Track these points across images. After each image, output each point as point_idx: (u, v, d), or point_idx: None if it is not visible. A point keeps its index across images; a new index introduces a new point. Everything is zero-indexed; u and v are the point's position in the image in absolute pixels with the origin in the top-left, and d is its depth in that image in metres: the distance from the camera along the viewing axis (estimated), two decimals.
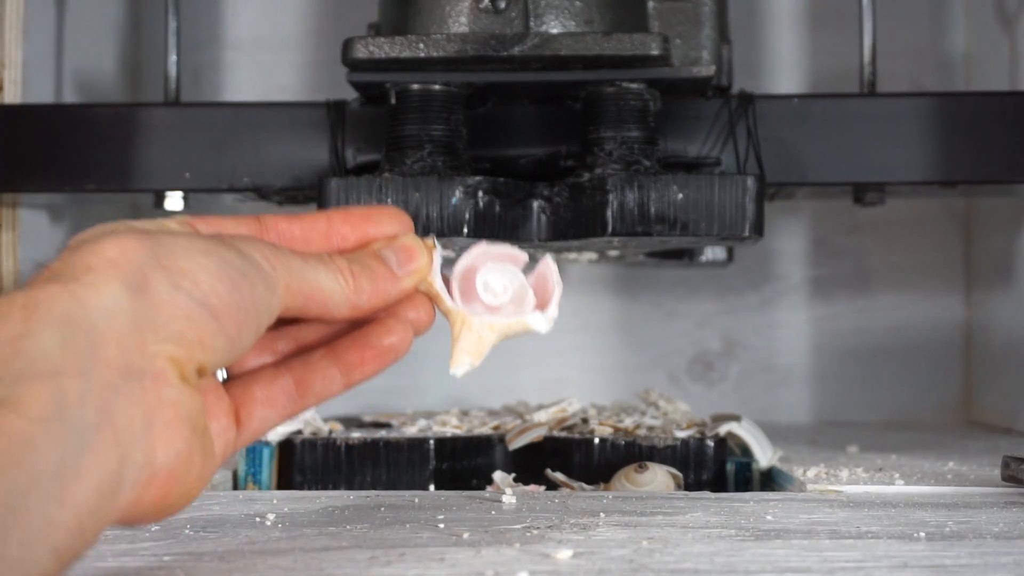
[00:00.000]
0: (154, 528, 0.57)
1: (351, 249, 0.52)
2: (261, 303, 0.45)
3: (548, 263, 0.57)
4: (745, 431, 0.88)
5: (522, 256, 0.56)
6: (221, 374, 0.50)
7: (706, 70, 0.93)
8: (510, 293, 0.55)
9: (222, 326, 0.43)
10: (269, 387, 0.51)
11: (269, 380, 0.51)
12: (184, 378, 0.42)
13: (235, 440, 0.49)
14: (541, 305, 0.55)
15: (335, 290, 0.49)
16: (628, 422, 0.91)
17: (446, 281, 0.54)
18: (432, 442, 0.85)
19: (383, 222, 0.53)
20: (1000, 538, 0.55)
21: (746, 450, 0.88)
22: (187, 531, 0.56)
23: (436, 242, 0.54)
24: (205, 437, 0.44)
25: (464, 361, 0.53)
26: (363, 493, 0.74)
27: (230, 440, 0.49)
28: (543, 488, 0.80)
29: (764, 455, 0.87)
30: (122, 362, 0.40)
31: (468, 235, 0.87)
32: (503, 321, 0.54)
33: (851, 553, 0.51)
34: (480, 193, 0.87)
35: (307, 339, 0.53)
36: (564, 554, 0.49)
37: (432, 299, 0.54)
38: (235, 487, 0.84)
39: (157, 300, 0.42)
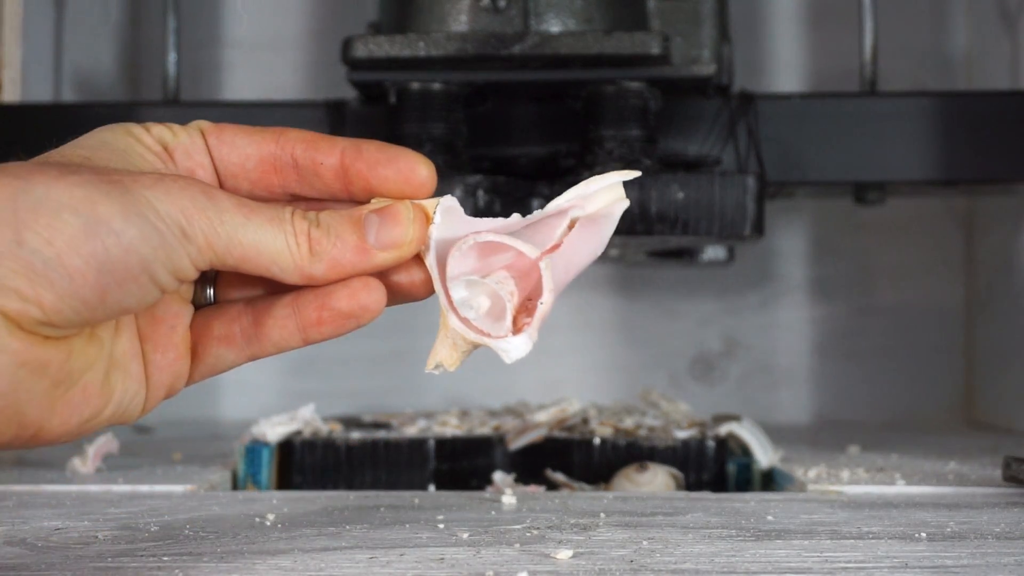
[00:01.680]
0: (154, 528, 0.57)
1: (360, 195, 0.48)
2: (150, 264, 0.42)
3: (544, 272, 0.48)
4: (746, 431, 0.88)
5: (528, 253, 0.48)
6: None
7: (706, 69, 0.92)
8: (484, 309, 0.48)
9: (75, 288, 0.41)
10: (229, 325, 0.48)
11: (231, 318, 0.48)
12: (21, 328, 0.41)
13: (189, 373, 0.48)
14: (527, 312, 0.48)
15: (280, 254, 0.45)
16: (628, 422, 0.90)
17: (443, 259, 0.48)
18: (432, 442, 0.85)
19: (390, 175, 0.48)
20: (1001, 538, 0.55)
21: (747, 450, 0.88)
22: (187, 531, 0.56)
23: (439, 210, 0.48)
24: (69, 384, 0.43)
25: (437, 362, 0.48)
26: (363, 493, 0.73)
27: (180, 374, 0.47)
28: (543, 488, 0.80)
29: (765, 455, 0.87)
30: None
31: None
32: (474, 339, 0.48)
33: (852, 553, 0.51)
34: (480, 192, 0.87)
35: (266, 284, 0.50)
36: (564, 554, 0.49)
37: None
38: (235, 487, 0.84)
39: None
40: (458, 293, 0.48)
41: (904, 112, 0.98)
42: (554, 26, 0.90)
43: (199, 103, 1.17)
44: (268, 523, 0.59)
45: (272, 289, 0.49)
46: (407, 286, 0.48)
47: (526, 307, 0.49)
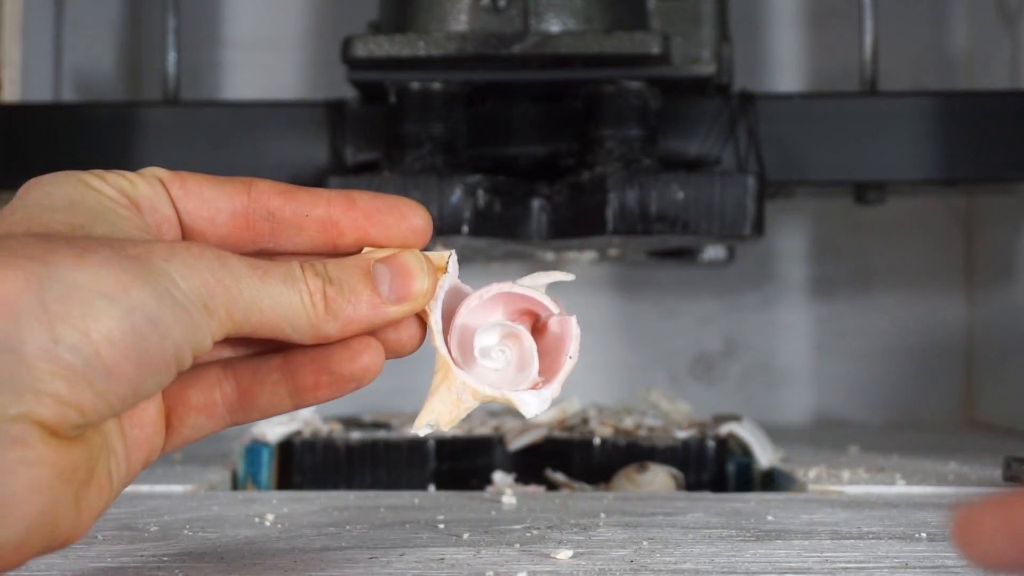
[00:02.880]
0: (153, 528, 0.57)
1: (347, 247, 0.45)
2: (180, 346, 0.38)
3: (571, 326, 0.46)
4: (746, 431, 0.88)
5: (550, 307, 0.47)
6: None
7: (706, 69, 0.92)
8: (510, 361, 0.45)
9: (114, 382, 0.37)
10: (208, 392, 0.44)
11: (210, 384, 0.44)
12: (55, 435, 0.36)
13: (161, 446, 0.44)
14: (546, 373, 0.46)
15: (297, 316, 0.42)
16: (629, 422, 0.90)
17: (448, 314, 0.46)
18: (432, 442, 0.85)
19: (392, 223, 0.45)
20: None
21: (747, 450, 0.88)
22: (186, 531, 0.56)
23: (452, 262, 0.46)
24: (89, 482, 0.39)
25: (432, 421, 0.45)
26: (363, 493, 0.73)
27: (155, 447, 0.43)
28: (543, 488, 0.80)
29: (765, 455, 0.87)
30: None
31: (468, 234, 0.87)
32: (488, 392, 0.45)
33: (852, 554, 0.51)
34: (480, 192, 0.87)
35: (263, 343, 0.45)
36: (564, 554, 0.49)
37: (425, 323, 0.46)
38: (234, 487, 0.83)
39: (29, 356, 0.35)
40: (482, 342, 0.45)
41: (904, 112, 0.98)
42: (554, 26, 0.90)
43: (199, 103, 1.17)
44: (268, 523, 0.59)
45: (255, 349, 0.45)
46: (395, 344, 0.45)
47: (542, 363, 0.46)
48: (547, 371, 0.46)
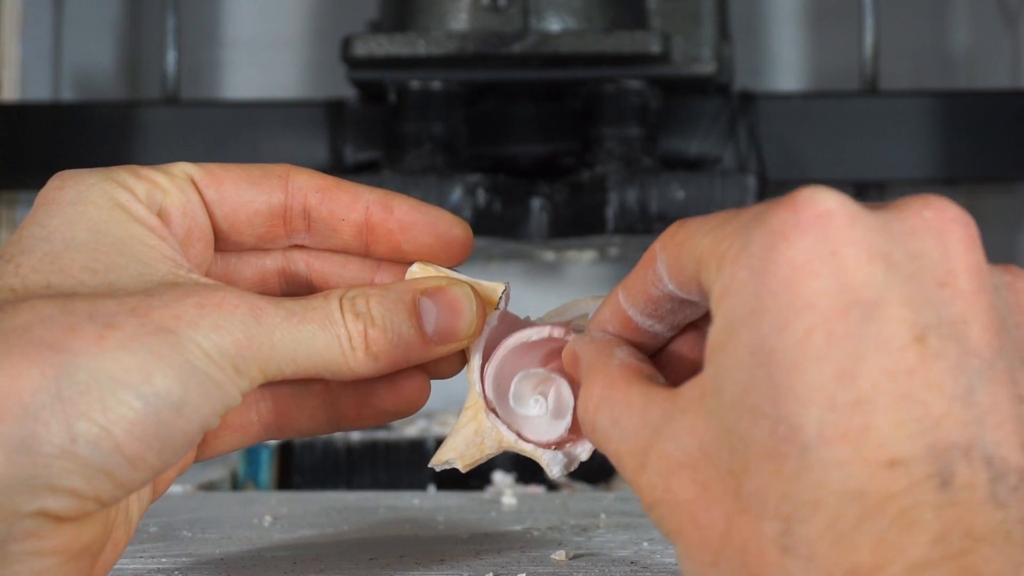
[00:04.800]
0: (153, 529, 0.57)
1: (381, 254, 0.43)
2: (206, 419, 0.36)
3: None
4: None
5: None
6: None
7: (707, 68, 0.92)
8: (546, 410, 0.42)
9: (136, 471, 0.35)
10: (245, 412, 0.42)
11: (247, 405, 0.42)
12: (69, 520, 0.35)
13: (191, 462, 0.42)
14: (578, 431, 0.43)
15: (334, 361, 0.39)
16: None
17: (491, 347, 0.43)
18: (432, 442, 0.85)
19: (427, 241, 0.42)
20: None
21: None
22: (186, 533, 0.56)
23: (504, 296, 0.43)
24: (104, 546, 0.38)
25: (452, 459, 0.43)
26: (363, 493, 0.73)
27: (184, 465, 0.42)
28: (543, 488, 0.80)
29: None
30: None
31: None
32: (515, 444, 0.43)
33: None
34: (480, 191, 0.87)
35: None
36: (564, 555, 0.49)
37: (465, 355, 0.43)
38: (234, 487, 0.83)
39: (45, 456, 0.33)
40: (519, 387, 0.42)
41: (905, 111, 0.98)
42: (554, 25, 0.90)
43: (199, 102, 1.16)
44: (267, 524, 0.59)
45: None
46: (432, 369, 0.43)
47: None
48: (579, 429, 0.43)
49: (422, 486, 0.84)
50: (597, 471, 0.84)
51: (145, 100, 1.21)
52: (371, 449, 0.84)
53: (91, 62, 1.22)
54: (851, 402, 0.29)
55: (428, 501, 0.68)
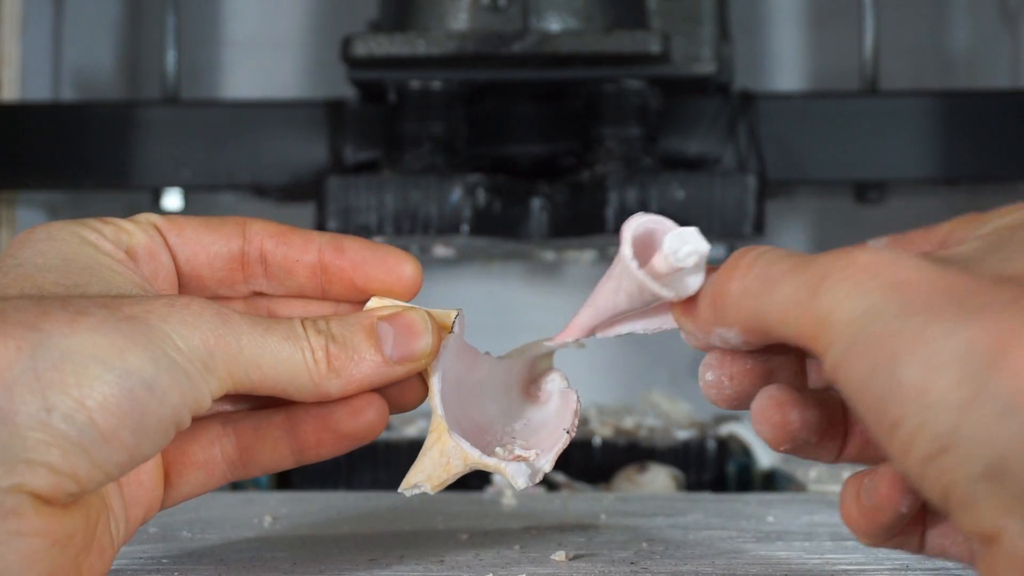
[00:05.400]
0: (152, 530, 0.57)
1: (337, 294, 0.44)
2: (178, 409, 0.37)
3: (572, 400, 0.46)
4: (747, 431, 0.88)
5: (556, 378, 0.47)
6: None
7: (707, 68, 0.92)
8: (693, 258, 0.39)
9: (111, 449, 0.36)
10: (208, 448, 0.43)
11: (211, 440, 0.43)
12: (50, 503, 0.35)
13: (160, 502, 0.43)
14: (540, 444, 0.45)
15: (299, 374, 0.40)
16: (629, 422, 0.90)
17: (450, 373, 0.44)
18: None
19: (378, 275, 0.44)
20: None
21: (747, 451, 0.88)
22: (185, 533, 0.56)
23: (458, 321, 0.44)
24: (89, 547, 0.38)
25: (420, 481, 0.44)
26: (363, 494, 0.73)
27: (154, 504, 0.43)
28: (543, 489, 0.80)
29: (765, 456, 0.87)
30: None
31: (468, 233, 0.86)
32: (479, 460, 0.43)
33: (853, 555, 0.51)
34: (480, 191, 0.87)
35: (265, 399, 0.44)
36: (564, 555, 0.49)
37: (427, 384, 0.44)
38: (234, 488, 0.83)
39: (21, 427, 0.34)
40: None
41: (905, 111, 0.98)
42: (554, 24, 0.90)
43: (198, 102, 1.16)
44: (267, 524, 0.59)
45: (256, 404, 0.44)
46: (395, 398, 0.44)
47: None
48: (542, 443, 0.45)
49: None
50: (597, 471, 0.84)
51: (145, 100, 1.21)
52: (371, 449, 0.84)
53: (91, 62, 1.22)
54: None
55: (428, 501, 0.68)
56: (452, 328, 0.43)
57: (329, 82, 1.16)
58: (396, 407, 0.44)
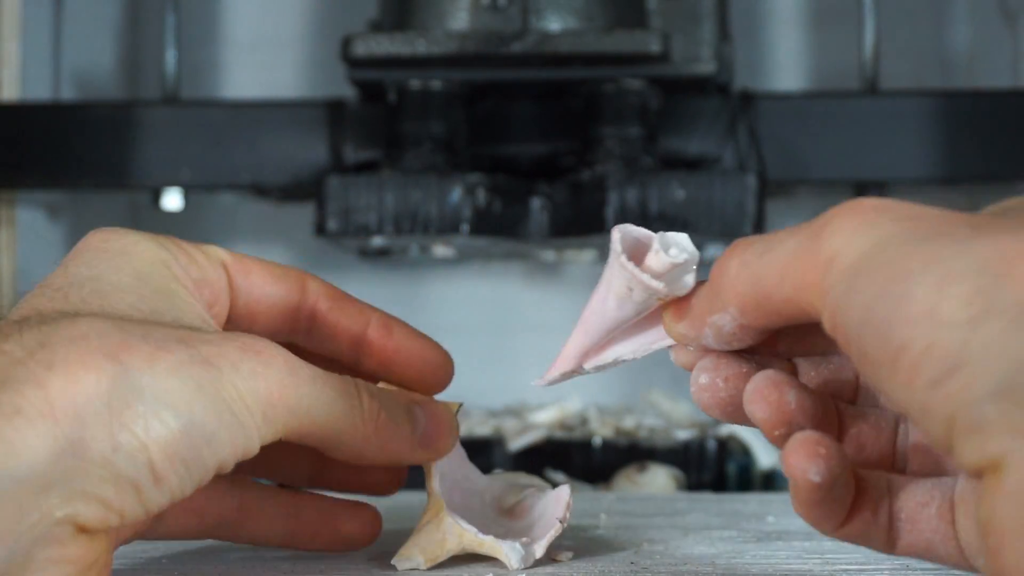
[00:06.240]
0: None
1: (367, 369, 0.46)
2: (226, 458, 0.38)
3: (564, 493, 0.47)
4: (747, 431, 0.88)
5: (539, 486, 0.49)
6: None
7: (707, 67, 0.92)
8: (684, 255, 0.39)
9: (158, 490, 0.36)
10: (211, 499, 0.44)
11: (218, 493, 0.44)
12: (88, 531, 0.36)
13: (144, 532, 0.44)
14: (533, 531, 0.46)
15: (347, 432, 0.41)
16: (629, 422, 0.90)
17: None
18: None
19: (418, 365, 0.46)
20: None
21: (747, 451, 0.88)
22: None
23: (460, 412, 0.46)
24: (105, 567, 0.38)
25: (413, 558, 0.45)
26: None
27: (139, 531, 0.43)
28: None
29: (766, 456, 0.87)
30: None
31: (468, 233, 0.86)
32: (476, 537, 0.45)
33: (853, 555, 0.51)
34: (480, 191, 0.87)
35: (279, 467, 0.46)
36: (564, 555, 0.49)
37: (425, 466, 0.46)
38: None
39: (87, 461, 0.35)
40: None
41: (905, 111, 0.98)
42: (554, 24, 0.90)
43: (198, 102, 1.16)
44: None
45: (277, 472, 0.46)
46: (374, 484, 0.48)
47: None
48: (534, 531, 0.47)
49: (422, 486, 0.84)
50: (597, 471, 0.84)
51: (145, 100, 1.21)
52: None
53: (91, 61, 1.22)
54: None
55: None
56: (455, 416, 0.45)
57: (329, 82, 1.16)
58: (371, 491, 0.48)
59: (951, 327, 0.28)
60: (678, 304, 0.40)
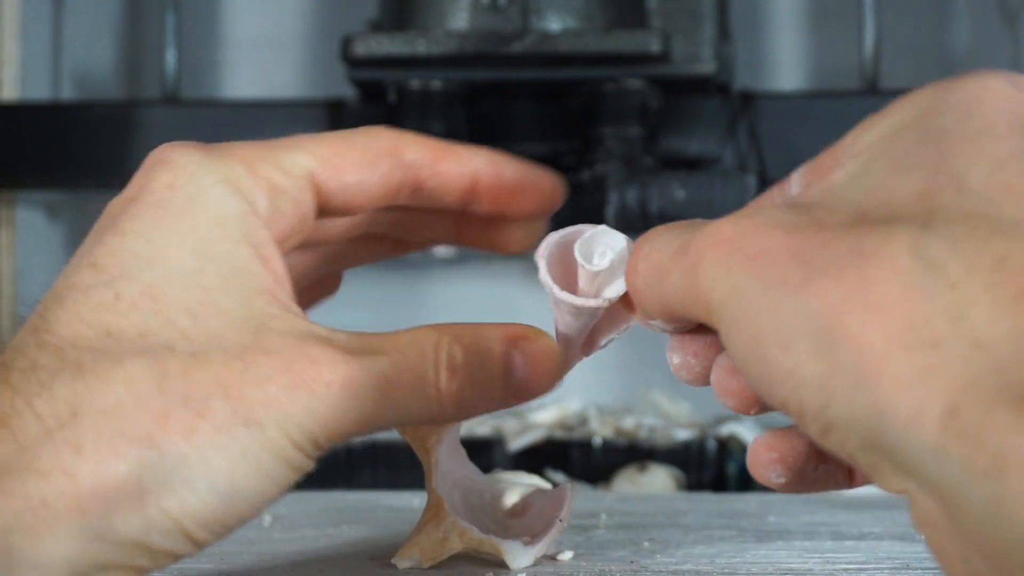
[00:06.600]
0: None
1: (477, 212, 0.42)
2: (270, 504, 0.37)
3: (567, 492, 0.47)
4: (747, 431, 0.88)
5: (540, 485, 0.48)
6: None
7: (707, 67, 0.92)
8: (607, 260, 0.39)
9: (196, 548, 0.36)
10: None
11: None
12: None
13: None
14: (533, 530, 0.46)
15: (419, 419, 0.38)
16: (629, 422, 0.90)
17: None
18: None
19: (533, 198, 0.43)
20: None
21: (747, 451, 0.88)
22: None
23: None
24: None
25: (415, 556, 0.45)
26: (363, 494, 0.73)
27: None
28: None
29: None
30: None
31: None
32: (477, 536, 0.44)
33: (853, 555, 0.51)
34: None
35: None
36: (565, 555, 0.49)
37: (424, 464, 0.45)
38: None
39: (117, 544, 0.34)
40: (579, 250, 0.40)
41: None
42: (554, 24, 0.90)
43: (198, 101, 1.16)
44: (267, 524, 0.59)
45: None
46: (508, 244, 0.45)
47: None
48: (535, 529, 0.46)
49: (422, 486, 0.84)
50: (597, 471, 0.84)
51: (145, 99, 1.21)
52: (371, 449, 0.84)
53: (91, 61, 1.22)
54: (1022, 169, 0.28)
55: None
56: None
57: (329, 82, 1.16)
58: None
59: (810, 389, 0.28)
60: (626, 298, 0.39)
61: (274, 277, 0.38)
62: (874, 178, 0.30)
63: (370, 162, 0.40)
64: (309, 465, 0.36)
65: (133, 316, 0.35)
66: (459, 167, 0.41)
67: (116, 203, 0.38)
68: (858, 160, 0.31)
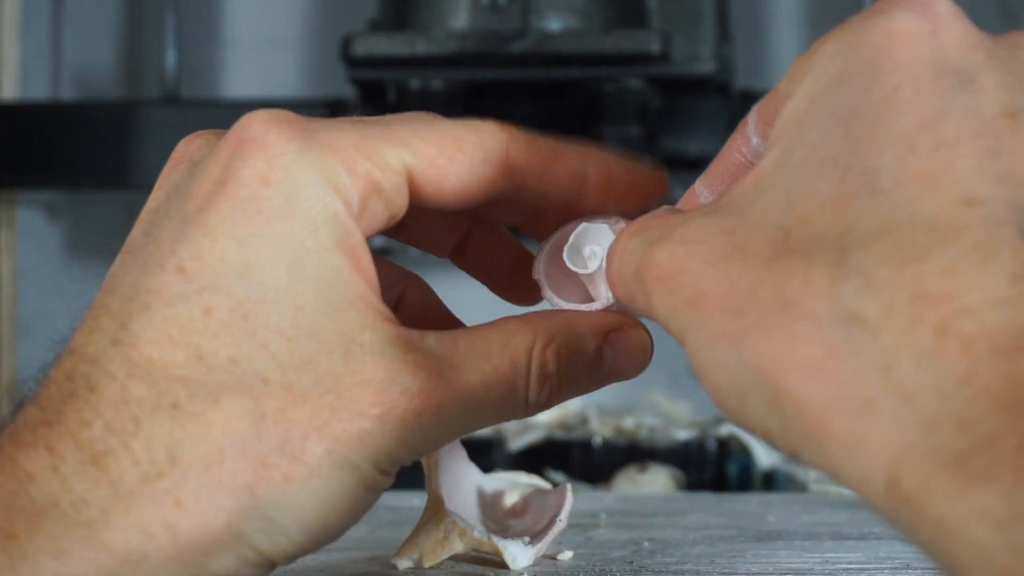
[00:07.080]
0: None
1: (580, 210, 0.39)
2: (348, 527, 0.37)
3: (567, 492, 0.47)
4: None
5: (540, 485, 0.49)
6: None
7: (707, 67, 0.92)
8: (597, 260, 0.38)
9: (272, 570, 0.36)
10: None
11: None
12: None
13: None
14: (534, 528, 0.46)
15: (507, 418, 0.37)
16: (629, 422, 0.90)
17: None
18: None
19: (638, 194, 0.40)
20: None
21: (747, 450, 0.88)
22: None
23: None
24: None
25: (414, 555, 0.45)
26: None
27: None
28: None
29: (766, 455, 0.87)
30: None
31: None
32: (478, 536, 0.44)
33: (854, 554, 0.51)
34: None
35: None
36: (565, 555, 0.49)
37: (424, 464, 0.45)
38: None
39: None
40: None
41: None
42: (554, 24, 0.90)
43: (198, 101, 1.16)
44: None
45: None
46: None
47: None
48: (535, 529, 0.46)
49: (422, 486, 0.84)
50: (597, 471, 0.84)
51: (145, 99, 1.21)
52: None
53: (91, 61, 1.22)
54: (932, 145, 0.27)
55: None
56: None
57: (329, 82, 1.16)
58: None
59: (778, 438, 0.28)
60: None
61: (366, 281, 0.35)
62: (791, 178, 0.29)
63: (475, 168, 0.38)
64: (389, 483, 0.36)
65: (225, 337, 0.34)
66: (567, 171, 0.39)
67: (201, 181, 0.36)
68: (778, 147, 0.30)
